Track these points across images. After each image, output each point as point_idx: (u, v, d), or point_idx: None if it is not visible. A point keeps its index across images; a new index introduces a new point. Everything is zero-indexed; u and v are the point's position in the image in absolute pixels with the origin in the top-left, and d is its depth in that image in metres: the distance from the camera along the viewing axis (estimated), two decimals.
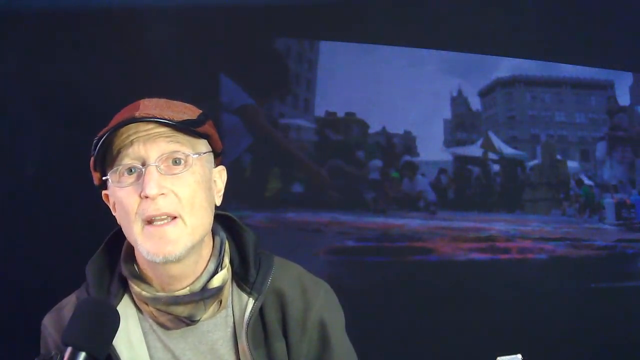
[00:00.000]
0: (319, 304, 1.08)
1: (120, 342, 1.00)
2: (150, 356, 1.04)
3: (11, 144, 2.08)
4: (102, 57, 2.06)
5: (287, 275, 1.10)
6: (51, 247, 1.99)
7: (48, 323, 1.07)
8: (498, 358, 0.84)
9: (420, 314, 2.26)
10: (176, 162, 0.97)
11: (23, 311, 1.90)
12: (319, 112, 2.45)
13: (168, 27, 2.15)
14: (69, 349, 0.83)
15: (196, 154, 0.99)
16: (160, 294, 1.00)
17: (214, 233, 1.07)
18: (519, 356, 0.85)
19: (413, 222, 2.47)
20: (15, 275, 2.00)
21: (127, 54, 2.07)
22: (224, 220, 1.10)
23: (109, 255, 1.08)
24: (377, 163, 2.48)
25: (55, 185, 2.03)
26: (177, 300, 0.99)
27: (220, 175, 1.08)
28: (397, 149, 2.47)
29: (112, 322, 0.92)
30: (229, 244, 1.09)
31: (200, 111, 1.03)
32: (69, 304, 1.06)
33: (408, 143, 2.49)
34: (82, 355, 0.83)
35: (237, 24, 2.26)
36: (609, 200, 2.67)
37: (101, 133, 0.97)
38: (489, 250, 2.45)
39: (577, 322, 2.33)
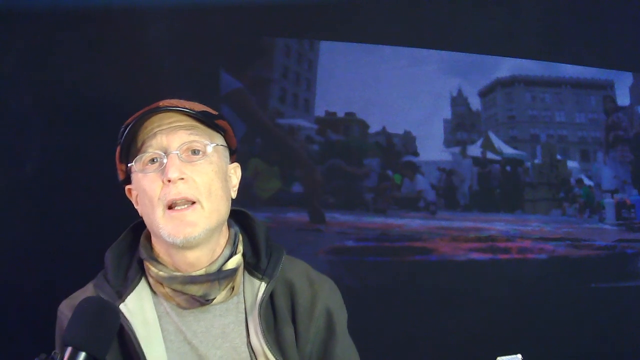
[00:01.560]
0: (325, 294, 1.16)
1: (136, 320, 1.06)
2: (163, 338, 1.09)
3: (11, 144, 2.08)
4: (102, 56, 2.06)
5: (296, 269, 1.18)
6: (51, 247, 1.99)
7: (64, 308, 1.13)
8: (498, 358, 0.84)
9: (420, 314, 2.26)
10: (195, 152, 1.07)
11: (23, 311, 1.91)
12: (319, 112, 2.45)
13: (168, 27, 2.15)
14: (69, 349, 0.84)
15: (213, 143, 1.09)
16: (177, 273, 1.07)
17: (229, 226, 1.15)
18: (519, 356, 0.85)
19: (413, 222, 2.47)
20: (15, 276, 2.00)
21: (127, 53, 2.07)
22: (237, 215, 1.19)
23: (128, 243, 1.15)
24: (377, 163, 2.48)
25: (55, 185, 2.03)
26: (193, 280, 1.06)
27: (235, 172, 1.18)
28: (397, 149, 2.47)
29: (113, 322, 0.93)
30: (242, 236, 1.17)
31: (217, 112, 1.15)
32: (85, 292, 1.11)
33: (408, 143, 2.49)
34: (82, 355, 0.84)
35: (237, 23, 2.26)
36: (609, 200, 2.67)
37: (128, 121, 1.07)
38: (489, 250, 2.45)
39: (577, 322, 2.33)
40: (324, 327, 1.14)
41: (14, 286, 1.99)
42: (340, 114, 2.46)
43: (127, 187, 1.14)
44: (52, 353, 0.86)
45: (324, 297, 1.15)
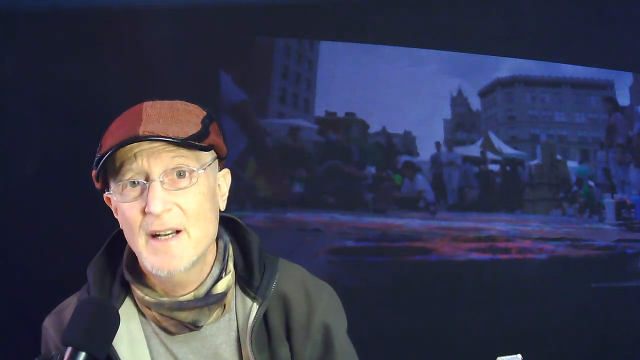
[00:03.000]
0: (322, 307, 1.07)
1: (121, 345, 1.00)
2: (152, 359, 1.03)
3: (11, 144, 2.08)
4: (102, 56, 2.06)
5: (291, 279, 1.09)
6: (51, 248, 1.99)
7: (49, 324, 1.07)
8: (498, 358, 0.84)
9: (420, 314, 2.26)
10: (180, 174, 0.95)
11: (24, 311, 1.91)
12: (319, 112, 2.45)
13: (168, 27, 2.15)
14: (69, 349, 0.83)
15: (202, 168, 0.97)
16: (164, 299, 1.00)
17: (217, 237, 1.05)
18: (519, 356, 0.84)
19: (413, 222, 2.47)
20: (16, 276, 2.00)
21: (127, 53, 2.07)
22: (228, 222, 1.09)
23: (111, 257, 1.07)
24: (377, 164, 2.48)
25: (55, 184, 2.03)
26: (181, 306, 0.99)
27: (224, 179, 1.07)
28: (397, 149, 2.47)
29: (112, 322, 0.92)
30: (233, 247, 1.08)
31: (205, 113, 1.01)
32: (69, 306, 1.05)
33: (408, 143, 2.49)
34: (82, 355, 0.83)
35: (237, 23, 2.26)
36: (609, 200, 2.67)
37: (103, 151, 0.94)
38: (489, 250, 2.45)
39: (577, 322, 2.33)
40: (321, 343, 1.07)
41: (13, 286, 1.99)
42: (340, 114, 2.46)
43: (105, 195, 1.04)
44: (52, 353, 0.85)
45: (321, 312, 1.07)
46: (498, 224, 2.54)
